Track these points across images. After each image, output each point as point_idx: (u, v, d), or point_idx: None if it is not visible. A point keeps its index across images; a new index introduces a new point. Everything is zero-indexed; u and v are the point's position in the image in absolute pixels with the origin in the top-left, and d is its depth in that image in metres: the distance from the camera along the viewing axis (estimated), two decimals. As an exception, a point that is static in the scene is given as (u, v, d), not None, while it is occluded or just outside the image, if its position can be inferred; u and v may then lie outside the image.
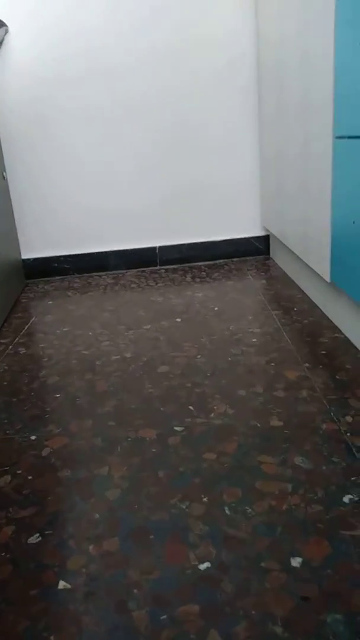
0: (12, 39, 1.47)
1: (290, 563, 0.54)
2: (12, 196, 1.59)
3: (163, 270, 1.68)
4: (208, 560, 0.55)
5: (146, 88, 1.54)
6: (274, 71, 1.33)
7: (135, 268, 1.72)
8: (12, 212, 1.57)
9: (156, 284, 1.54)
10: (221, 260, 1.73)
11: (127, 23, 1.48)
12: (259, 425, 0.78)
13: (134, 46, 1.50)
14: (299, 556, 0.54)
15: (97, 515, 0.63)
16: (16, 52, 1.48)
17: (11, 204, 1.56)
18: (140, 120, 1.57)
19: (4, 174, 1.49)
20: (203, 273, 1.61)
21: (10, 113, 1.52)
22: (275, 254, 1.66)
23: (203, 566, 0.54)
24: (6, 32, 1.46)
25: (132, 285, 1.55)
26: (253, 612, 0.49)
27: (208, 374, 0.95)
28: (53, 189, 1.61)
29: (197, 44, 1.51)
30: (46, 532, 0.61)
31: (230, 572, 0.53)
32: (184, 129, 1.59)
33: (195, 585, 0.52)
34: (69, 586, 0.53)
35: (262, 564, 0.54)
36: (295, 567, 0.53)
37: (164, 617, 0.49)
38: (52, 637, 0.48)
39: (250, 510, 0.61)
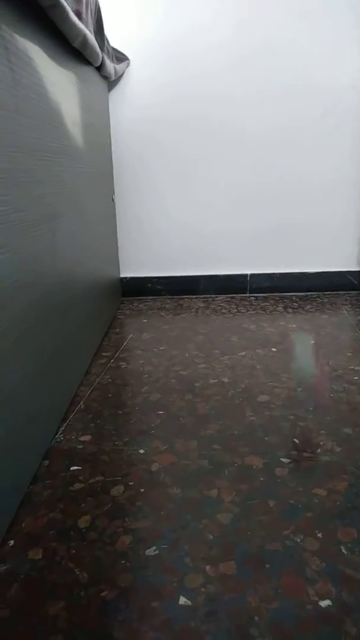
0: (129, 67, 1.57)
1: None
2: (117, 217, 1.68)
3: (253, 298, 1.69)
4: (328, 598, 0.55)
5: (256, 121, 1.58)
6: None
7: (225, 294, 1.75)
8: (116, 232, 1.65)
9: (247, 311, 1.56)
10: (313, 293, 1.72)
11: (243, 55, 1.53)
12: (369, 466, 0.77)
13: (248, 78, 1.55)
14: None
15: (210, 537, 0.64)
16: (131, 78, 1.58)
17: (116, 225, 1.65)
18: (246, 152, 1.61)
19: (113, 196, 1.58)
20: (295, 304, 1.61)
21: (122, 140, 1.61)
22: (371, 290, 1.63)
23: (324, 603, 0.54)
24: (127, 65, 1.56)
25: (223, 311, 1.57)
26: (381, 660, 0.48)
27: (310, 408, 0.95)
28: (153, 213, 1.68)
29: (309, 87, 1.54)
30: (162, 546, 0.63)
31: (353, 614, 0.53)
32: (288, 165, 1.62)
33: (318, 622, 0.52)
34: (189, 603, 0.55)
35: (387, 611, 0.53)
36: None
37: (288, 649, 0.49)
38: (177, 651, 0.49)
39: (368, 553, 0.60)
